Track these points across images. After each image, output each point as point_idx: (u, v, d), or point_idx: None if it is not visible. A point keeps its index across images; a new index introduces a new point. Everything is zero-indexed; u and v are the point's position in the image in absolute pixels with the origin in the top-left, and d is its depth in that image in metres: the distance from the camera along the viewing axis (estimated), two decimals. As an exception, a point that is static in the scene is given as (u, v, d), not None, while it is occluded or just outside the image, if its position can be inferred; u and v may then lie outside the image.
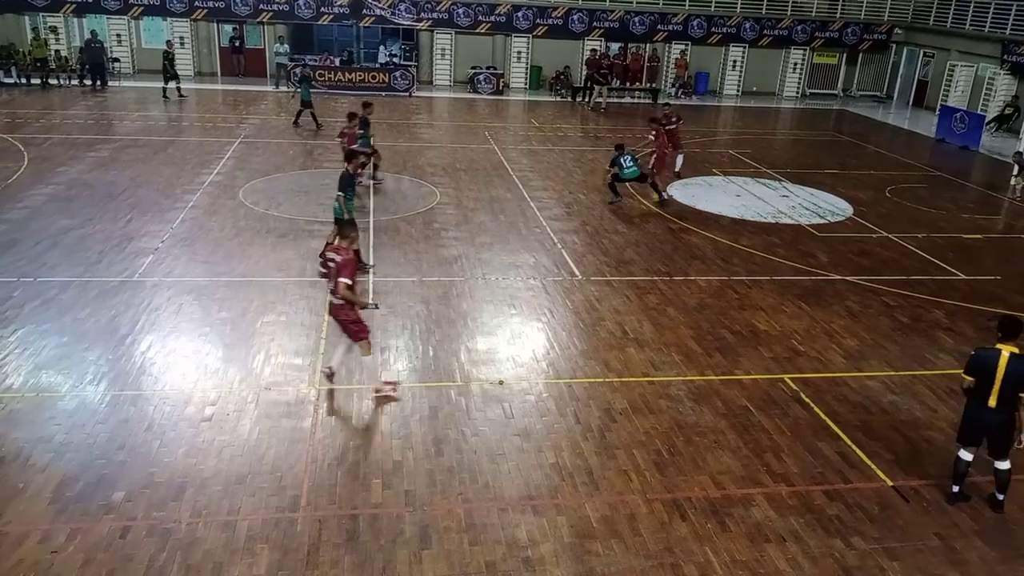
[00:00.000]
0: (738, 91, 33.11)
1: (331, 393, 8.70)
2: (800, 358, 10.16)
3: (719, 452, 8.01)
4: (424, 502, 7.01)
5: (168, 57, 25.53)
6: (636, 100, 30.90)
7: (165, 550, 6.28)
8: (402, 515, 6.84)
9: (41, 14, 28.27)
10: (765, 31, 32.48)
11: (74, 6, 28.20)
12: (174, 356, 9.33)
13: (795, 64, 33.59)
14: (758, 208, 16.80)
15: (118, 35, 29.21)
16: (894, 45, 33.70)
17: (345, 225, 9.08)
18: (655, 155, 17.61)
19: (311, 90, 22.45)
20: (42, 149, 18.20)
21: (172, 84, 25.40)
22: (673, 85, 32.27)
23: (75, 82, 27.06)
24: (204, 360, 9.28)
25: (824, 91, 34.51)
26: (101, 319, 10.08)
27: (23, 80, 26.58)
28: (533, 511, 6.98)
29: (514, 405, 8.65)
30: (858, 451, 8.16)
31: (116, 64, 28.68)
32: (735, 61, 33.03)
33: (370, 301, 10.97)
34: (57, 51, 27.63)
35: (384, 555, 6.37)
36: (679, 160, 18.91)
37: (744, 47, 32.70)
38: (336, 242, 8.80)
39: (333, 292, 8.43)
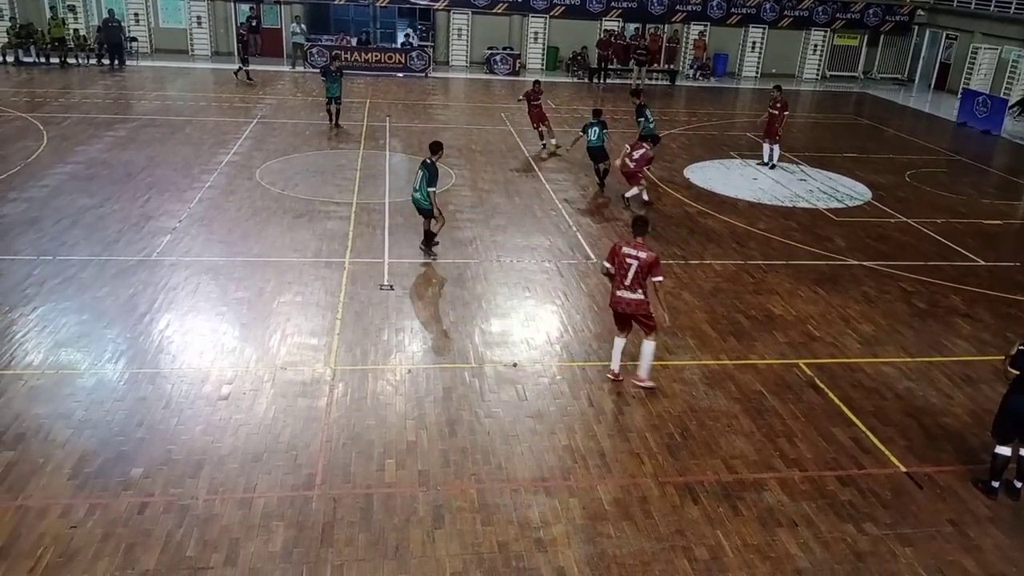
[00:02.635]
0: (757, 73, 32.74)
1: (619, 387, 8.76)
2: (815, 343, 10.11)
3: (732, 436, 8.02)
4: (437, 482, 7.07)
5: (241, 39, 25.70)
6: (654, 82, 30.63)
7: (183, 526, 6.38)
8: (415, 495, 6.90)
9: (60, -7, 28.35)
10: (785, 12, 32.07)
11: (92, -15, 28.23)
12: (191, 335, 9.43)
13: (815, 46, 33.17)
14: (775, 192, 16.67)
15: (136, 14, 29.25)
16: (916, 27, 33.18)
17: (641, 224, 8.69)
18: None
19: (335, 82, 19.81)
20: (61, 128, 18.32)
21: (243, 66, 25.60)
22: (691, 66, 31.97)
23: (93, 61, 27.17)
24: (221, 339, 9.37)
25: (844, 73, 34.08)
26: (120, 298, 10.19)
27: (42, 59, 26.71)
28: (545, 492, 7.03)
29: (528, 387, 8.68)
30: (872, 437, 8.14)
31: (134, 43, 28.72)
32: (754, 42, 32.65)
33: (385, 282, 11.02)
34: (75, 30, 27.73)
35: (397, 534, 6.44)
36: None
37: (764, 28, 32.31)
38: (636, 239, 8.47)
39: (631, 288, 8.36)
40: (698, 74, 31.67)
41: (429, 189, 11.51)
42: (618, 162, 15.01)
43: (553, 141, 18.79)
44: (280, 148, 17.75)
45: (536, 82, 19.25)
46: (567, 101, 25.85)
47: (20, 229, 12.27)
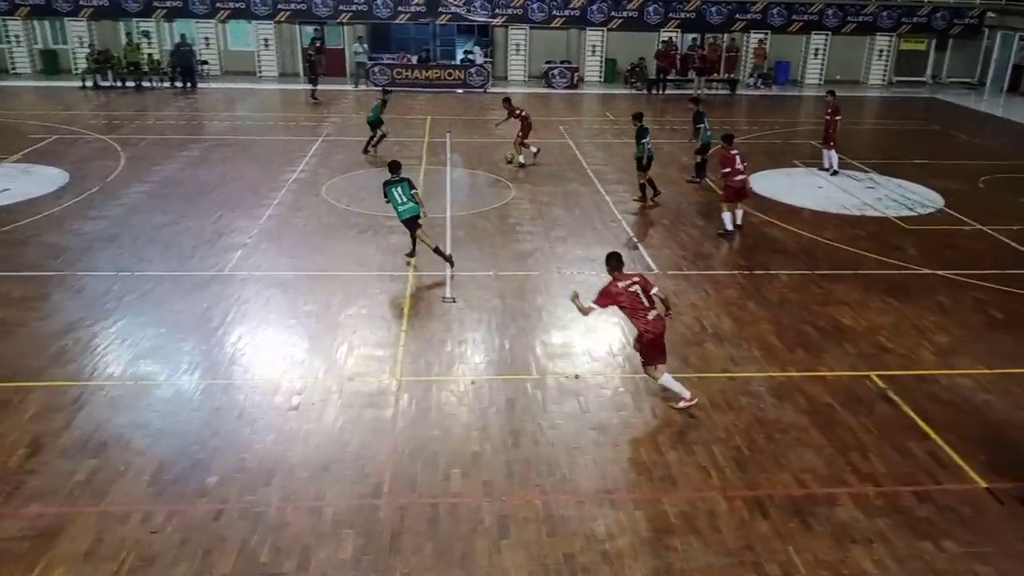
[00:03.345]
0: (820, 80, 32.11)
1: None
2: (887, 355, 9.84)
3: (802, 450, 7.86)
4: (502, 493, 7.12)
5: (309, 59, 26.51)
6: (714, 91, 30.33)
7: (256, 532, 6.56)
8: (480, 505, 6.95)
9: (134, 19, 29.61)
10: (849, 17, 31.38)
11: (165, 11, 29.40)
12: (263, 347, 9.71)
13: (881, 51, 32.39)
14: (842, 200, 16.31)
15: (206, 38, 30.34)
16: (987, 29, 32.10)
17: (617, 258, 8.60)
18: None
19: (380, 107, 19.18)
20: (138, 149, 19.10)
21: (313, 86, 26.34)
22: (751, 75, 31.56)
23: (166, 84, 28.25)
24: (291, 351, 9.61)
25: (912, 78, 33.15)
26: (194, 311, 10.55)
27: (118, 83, 27.91)
28: (610, 505, 7.00)
29: (590, 399, 8.67)
30: (949, 451, 7.88)
31: (205, 66, 29.78)
32: (817, 49, 32.05)
33: (447, 295, 11.16)
34: (150, 55, 28.90)
35: (464, 544, 6.50)
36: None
37: (827, 35, 31.69)
38: (620, 272, 8.44)
39: (653, 308, 8.29)
40: (759, 83, 31.24)
41: (412, 191, 12.02)
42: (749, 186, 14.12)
43: (520, 158, 18.48)
44: (345, 165, 18.16)
45: (507, 98, 19.33)
46: (625, 113, 25.74)
47: (100, 246, 12.83)
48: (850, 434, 8.13)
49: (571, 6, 30.28)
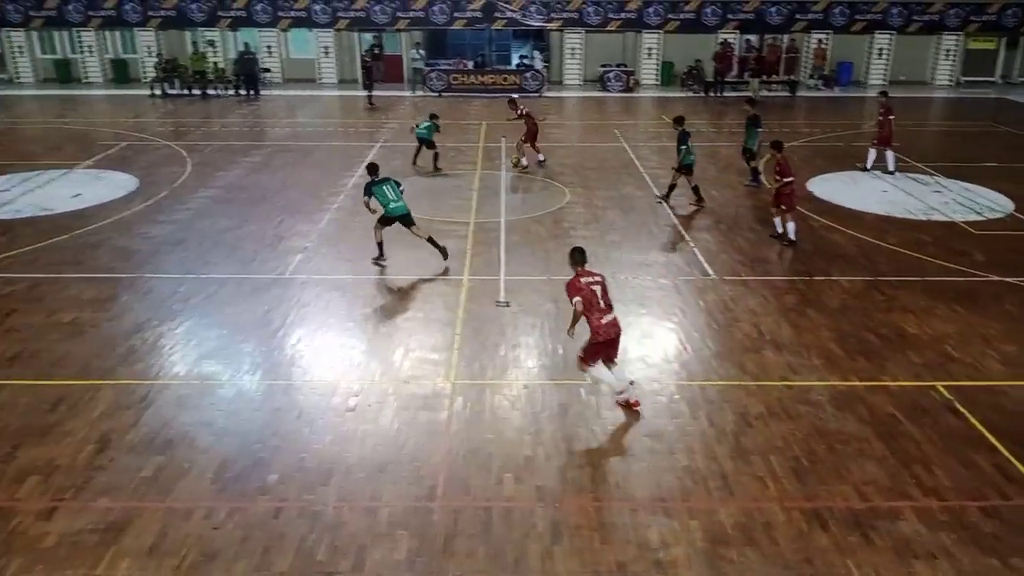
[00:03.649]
0: (884, 81, 31.29)
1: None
2: (953, 364, 9.54)
3: (863, 461, 7.67)
4: (555, 498, 7.11)
5: (365, 66, 27.05)
6: (774, 93, 29.83)
7: (314, 531, 6.69)
8: (533, 510, 6.96)
9: (200, 29, 30.54)
10: (914, 16, 30.53)
11: (229, 20, 30.25)
12: (321, 349, 9.90)
13: (948, 51, 31.42)
14: (907, 204, 15.87)
15: (268, 47, 31.11)
16: (1064, 26, 30.88)
17: (581, 253, 8.50)
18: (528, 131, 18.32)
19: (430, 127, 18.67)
20: (203, 155, 19.68)
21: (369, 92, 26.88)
22: (812, 76, 30.94)
23: (230, 92, 29.03)
24: (348, 353, 9.78)
25: (981, 78, 32.04)
26: (256, 313, 10.83)
27: (185, 91, 28.80)
28: (665, 513, 6.94)
29: (644, 406, 8.60)
30: (1019, 464, 7.59)
31: (267, 74, 30.53)
32: (881, 49, 31.26)
33: (501, 299, 11.21)
34: (215, 63, 29.75)
35: (517, 548, 6.52)
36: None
37: (891, 34, 30.88)
38: (583, 268, 8.34)
39: (609, 309, 8.23)
40: (820, 84, 30.60)
41: (400, 189, 12.51)
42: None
43: (524, 160, 18.57)
44: (401, 170, 18.30)
45: (512, 99, 19.37)
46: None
47: (167, 249, 13.26)
48: (914, 446, 7.91)
49: (627, 9, 30.15)
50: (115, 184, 17.05)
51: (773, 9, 30.11)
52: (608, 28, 30.59)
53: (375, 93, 27.24)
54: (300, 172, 18.18)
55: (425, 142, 18.41)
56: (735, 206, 15.79)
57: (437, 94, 29.02)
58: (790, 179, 13.42)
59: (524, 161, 18.48)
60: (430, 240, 12.44)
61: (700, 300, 11.33)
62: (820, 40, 30.80)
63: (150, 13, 29.99)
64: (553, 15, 30.23)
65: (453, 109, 26.55)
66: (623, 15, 30.29)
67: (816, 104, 28.14)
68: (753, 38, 31.14)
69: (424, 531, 6.70)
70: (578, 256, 8.39)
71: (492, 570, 6.28)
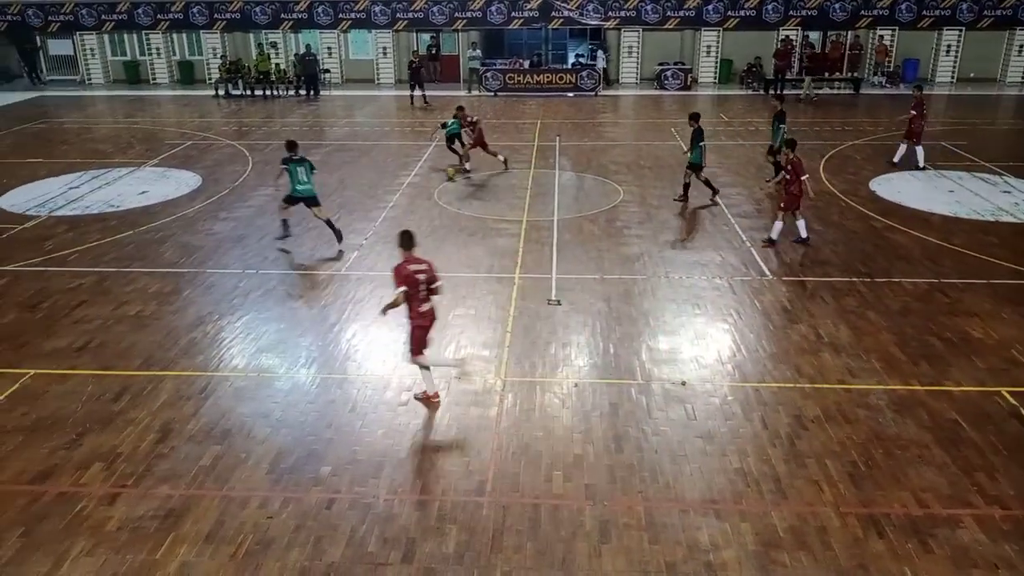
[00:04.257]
0: (952, 78, 30.28)
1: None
2: (1019, 370, 9.18)
3: (923, 468, 7.44)
4: (604, 497, 7.09)
5: (411, 67, 27.37)
6: (836, 91, 29.13)
7: (365, 522, 6.80)
8: (582, 508, 6.95)
9: (263, 31, 31.27)
10: (985, 12, 29.38)
11: (291, 22, 30.88)
12: (375, 344, 10.05)
13: (1021, 47, 30.16)
14: (974, 205, 15.33)
15: (329, 48, 31.66)
16: None
17: (409, 236, 8.35)
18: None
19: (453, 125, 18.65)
20: (264, 154, 20.14)
21: (417, 92, 27.07)
22: (875, 73, 30.10)
23: (291, 92, 29.64)
24: (401, 348, 9.87)
25: (1058, 75, 30.75)
26: (313, 308, 11.05)
27: (248, 92, 29.52)
28: (715, 515, 6.85)
29: (697, 407, 8.51)
30: (1091, 477, 7.28)
31: (327, 75, 31.07)
32: (949, 45, 30.21)
33: (552, 297, 11.20)
34: (276, 64, 30.42)
35: (564, 546, 6.51)
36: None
37: (960, 30, 29.84)
38: (411, 254, 8.24)
39: (428, 300, 8.27)
40: (885, 81, 29.76)
41: (312, 172, 13.20)
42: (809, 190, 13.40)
43: (467, 165, 17.96)
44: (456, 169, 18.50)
45: (461, 107, 18.29)
46: (741, 114, 25.15)
47: (229, 245, 13.61)
48: (976, 453, 7.64)
49: (686, 6, 29.78)
50: (180, 182, 17.58)
51: (837, 5, 29.37)
52: (667, 26, 30.28)
53: (427, 93, 27.41)
54: (357, 171, 18.46)
55: (456, 136, 18.44)
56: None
57: (493, 93, 29.13)
58: (804, 176, 13.09)
59: (467, 166, 17.83)
60: (328, 223, 13.22)
61: (756, 301, 11.14)
62: (882, 36, 29.94)
63: (216, 16, 30.83)
64: (610, 13, 30.06)
65: (508, 108, 26.66)
66: (682, 13, 29.93)
67: (880, 102, 27.35)
68: (813, 35, 30.44)
69: (473, 525, 6.74)
70: (406, 240, 8.24)
71: (540, 567, 6.29)
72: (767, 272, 12.12)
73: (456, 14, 30.32)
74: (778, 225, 13.24)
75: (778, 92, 21.64)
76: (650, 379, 9.08)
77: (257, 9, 30.58)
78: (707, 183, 15.63)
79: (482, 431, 8.10)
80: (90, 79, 32.55)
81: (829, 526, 6.69)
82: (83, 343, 10.06)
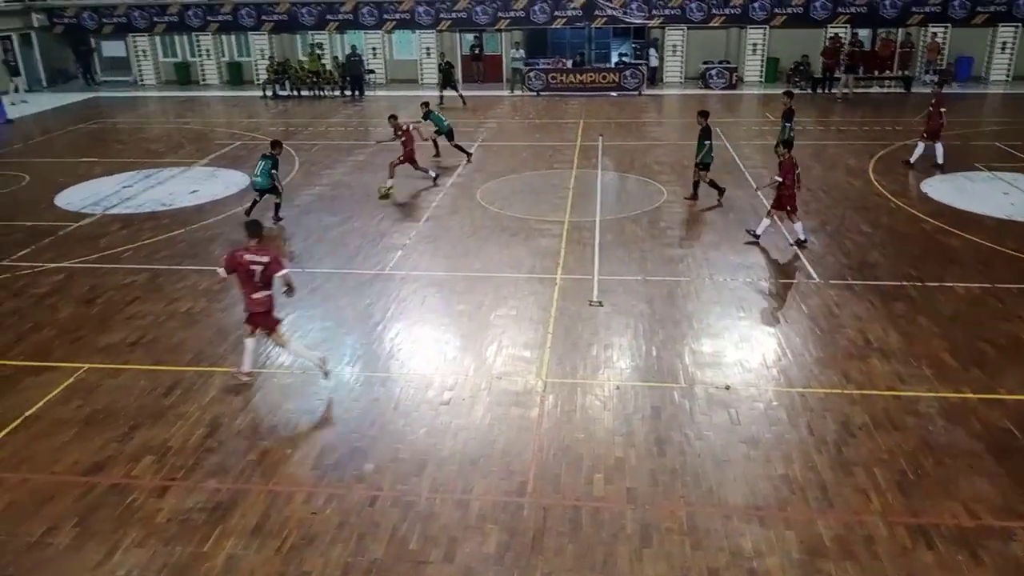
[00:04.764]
0: (1008, 77, 29.39)
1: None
2: (1080, 379, 8.91)
3: (974, 477, 7.26)
4: (646, 501, 7.06)
5: (442, 68, 27.55)
6: (886, 90, 28.53)
7: (407, 520, 6.86)
8: (623, 511, 6.93)
9: (310, 32, 31.71)
10: (1046, 6, 28.53)
11: (337, 23, 31.28)
12: (418, 343, 10.14)
13: (1083, 43, 29.21)
14: (1031, 208, 14.89)
15: (373, 48, 31.97)
16: None
17: (256, 227, 8.93)
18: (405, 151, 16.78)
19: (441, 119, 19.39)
20: (311, 154, 20.44)
21: (449, 92, 27.22)
22: (926, 71, 29.37)
23: (336, 93, 30.00)
24: (444, 348, 9.98)
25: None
26: (357, 307, 11.18)
27: (295, 92, 29.96)
28: (759, 522, 6.78)
29: (741, 411, 8.42)
30: None
31: (372, 75, 31.40)
32: (1004, 43, 29.33)
33: (594, 299, 11.17)
34: (323, 64, 30.82)
35: (605, 549, 6.50)
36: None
37: (1016, 27, 28.95)
38: (252, 243, 8.69)
39: (259, 289, 8.67)
40: (936, 80, 28.96)
41: (272, 171, 14.42)
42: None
43: (390, 182, 16.63)
44: (499, 170, 18.58)
45: (393, 116, 17.53)
46: (787, 114, 24.73)
47: (276, 244, 13.82)
48: (1033, 464, 7.44)
49: (731, 4, 29.43)
50: (229, 181, 17.93)
51: (887, 1, 28.75)
52: (712, 24, 29.96)
53: (469, 94, 27.49)
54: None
55: (445, 133, 18.94)
56: (842, 207, 15.21)
57: (535, 93, 29.13)
58: (777, 178, 13.02)
59: (390, 182, 16.55)
60: (249, 209, 14.73)
61: (803, 304, 10.97)
62: (934, 34, 29.20)
63: (263, 18, 31.36)
64: (655, 12, 29.84)
65: (551, 108, 26.64)
66: (727, 10, 29.59)
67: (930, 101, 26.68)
68: (863, 32, 29.83)
69: (514, 526, 6.77)
70: (251, 229, 8.80)
71: (580, 568, 6.29)
72: (814, 275, 11.93)
73: (499, 14, 30.40)
74: (765, 221, 13.24)
75: (788, 90, 21.15)
76: (693, 383, 9.00)
77: (304, 11, 31.04)
78: (712, 183, 15.54)
79: (523, 432, 8.12)
80: (142, 80, 33.36)
81: (876, 535, 6.58)
82: (136, 338, 10.33)
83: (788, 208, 13.06)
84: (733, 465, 7.54)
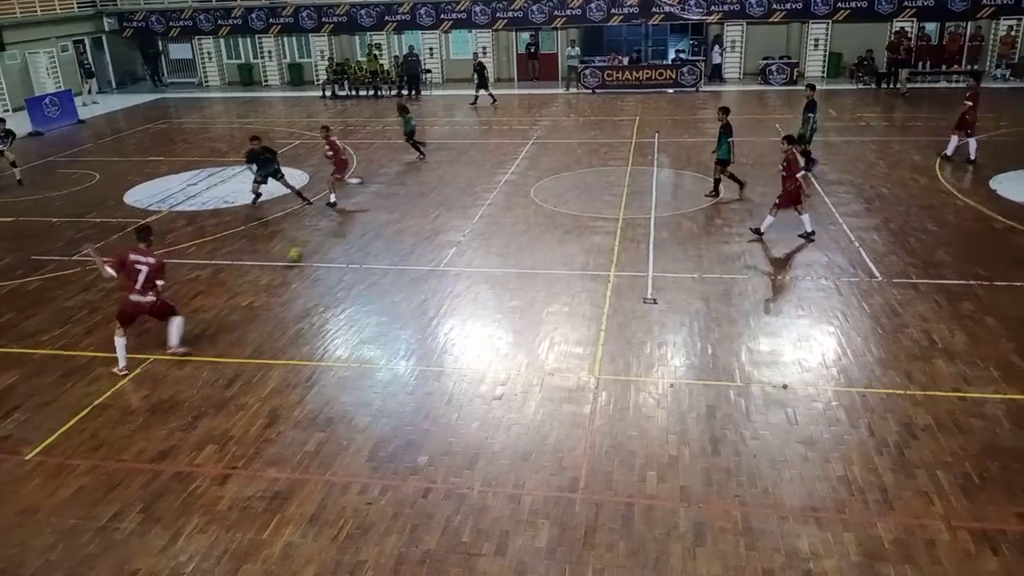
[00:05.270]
0: (1088, 69, 28.14)
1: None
2: None
3: (1045, 483, 7.00)
4: (699, 500, 6.98)
5: (475, 68, 27.71)
6: (954, 84, 27.59)
7: (459, 513, 6.93)
8: (676, 510, 6.87)
9: (368, 33, 32.17)
10: None
11: (395, 24, 31.67)
12: (471, 339, 10.22)
13: None
14: (1110, 205, 14.24)
15: (430, 48, 32.27)
16: None
17: (146, 230, 9.74)
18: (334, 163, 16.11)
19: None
20: (368, 152, 20.75)
21: (482, 92, 27.39)
22: (998, 66, 28.30)
23: (394, 92, 30.37)
24: (496, 344, 10.03)
25: None
26: (412, 303, 11.32)
27: (353, 92, 30.43)
28: (816, 523, 6.64)
29: (799, 411, 8.26)
30: None
31: (428, 75, 31.70)
32: (1085, 34, 28.11)
33: (648, 296, 11.09)
34: (380, 64, 31.25)
35: (658, 546, 6.46)
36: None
37: (1098, 17, 27.71)
38: (140, 246, 9.43)
39: (142, 292, 9.25)
40: (1009, 75, 27.96)
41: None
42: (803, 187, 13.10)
43: (332, 196, 16.12)
44: (553, 167, 18.58)
45: (325, 127, 16.74)
46: (850, 109, 24.17)
47: (334, 241, 14.11)
48: (1108, 471, 7.13)
49: (793, -1, 28.86)
50: (289, 179, 18.24)
51: (957, -7, 27.81)
52: (772, 20, 29.42)
53: (526, 92, 27.50)
54: (456, 169, 18.76)
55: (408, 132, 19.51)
56: (906, 203, 14.79)
57: (591, 91, 29.02)
58: (799, 174, 12.92)
59: (333, 197, 16.04)
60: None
61: (864, 303, 10.71)
62: (1010, 27, 28.10)
63: (324, 19, 31.95)
64: (713, 7, 29.43)
65: (606, 105, 26.51)
66: (788, 5, 29.02)
67: (1002, 96, 25.69)
68: (930, 26, 28.90)
69: (565, 521, 6.77)
70: (141, 234, 9.58)
71: (632, 566, 6.26)
72: (876, 273, 11.63)
73: (555, 12, 30.38)
74: (769, 219, 13.17)
75: (810, 83, 20.46)
76: (750, 381, 8.87)
77: (363, 12, 31.53)
78: (733, 177, 15.51)
79: (575, 428, 8.12)
80: (207, 81, 34.32)
81: (938, 540, 6.39)
82: (200, 331, 10.64)
83: (778, 200, 13.07)
84: (790, 465, 7.40)
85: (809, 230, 13.00)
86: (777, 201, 13.12)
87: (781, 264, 12.17)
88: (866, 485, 7.08)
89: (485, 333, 10.36)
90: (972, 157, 17.11)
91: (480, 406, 8.58)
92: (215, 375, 9.48)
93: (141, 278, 9.25)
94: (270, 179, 16.03)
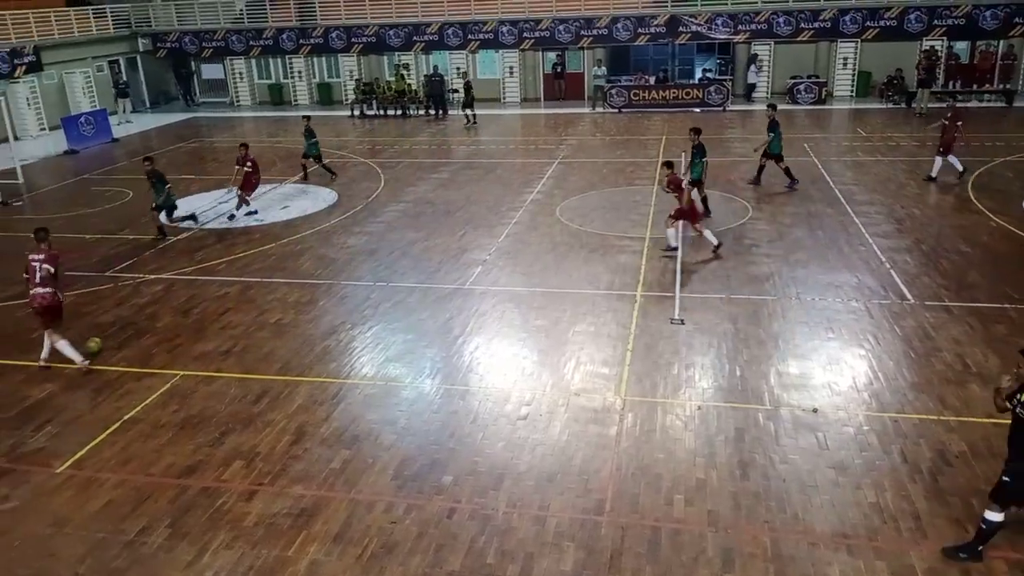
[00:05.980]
0: (1125, 88, 27.69)
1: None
2: None
3: (1085, 513, 6.80)
4: (727, 524, 6.89)
5: (465, 86, 27.91)
6: (986, 104, 27.26)
7: (484, 534, 6.89)
8: (704, 534, 6.78)
9: (396, 53, 32.53)
10: None
11: (423, 44, 31.99)
12: (497, 358, 10.21)
13: None
14: None
15: (458, 68, 32.53)
16: None
17: (42, 232, 10.34)
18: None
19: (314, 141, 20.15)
20: (395, 171, 20.91)
21: (468, 112, 27.47)
22: (1034, 84, 27.93)
23: (421, 112, 30.63)
24: (522, 363, 10.01)
25: None
26: (438, 321, 11.34)
27: (381, 112, 30.74)
28: (847, 551, 6.52)
29: (829, 435, 8.13)
30: None
31: (455, 94, 31.94)
32: (1122, 52, 27.67)
33: (675, 316, 11.01)
34: (408, 84, 31.55)
35: (685, 572, 6.37)
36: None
37: None
38: (40, 246, 10.18)
39: (41, 285, 9.95)
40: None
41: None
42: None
43: (238, 212, 16.82)
44: (579, 186, 18.58)
45: (244, 145, 17.19)
46: (880, 129, 23.96)
47: (361, 259, 14.20)
48: None
49: (821, 18, 28.74)
50: (318, 198, 18.51)
51: (988, 13, 27.52)
52: (800, 39, 29.31)
53: (552, 111, 27.54)
54: (483, 188, 18.84)
55: (316, 156, 20.08)
56: (938, 224, 14.59)
57: (617, 110, 29.05)
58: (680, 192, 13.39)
59: (236, 213, 16.62)
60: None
61: (896, 326, 10.55)
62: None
63: (353, 40, 32.37)
64: (740, 27, 29.40)
65: (633, 125, 26.51)
66: (816, 24, 28.91)
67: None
68: (960, 45, 28.61)
69: (591, 544, 6.71)
70: (38, 234, 10.24)
71: (659, 591, 6.18)
72: (908, 296, 11.46)
73: (582, 32, 30.51)
74: (671, 232, 13.62)
75: (771, 103, 20.20)
76: (779, 405, 8.76)
77: (391, 32, 31.89)
78: (704, 200, 15.56)
79: (601, 449, 8.05)
80: (238, 101, 34.86)
81: (973, 569, 6.24)
82: (228, 347, 10.74)
83: (672, 215, 13.58)
84: (820, 491, 7.28)
85: (673, 245, 13.51)
86: (672, 214, 13.62)
87: (811, 285, 12.03)
88: (899, 512, 6.95)
89: (510, 352, 10.34)
90: (960, 169, 17.42)
91: (505, 426, 8.55)
92: (243, 391, 9.56)
93: (38, 275, 10.02)
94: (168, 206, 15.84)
